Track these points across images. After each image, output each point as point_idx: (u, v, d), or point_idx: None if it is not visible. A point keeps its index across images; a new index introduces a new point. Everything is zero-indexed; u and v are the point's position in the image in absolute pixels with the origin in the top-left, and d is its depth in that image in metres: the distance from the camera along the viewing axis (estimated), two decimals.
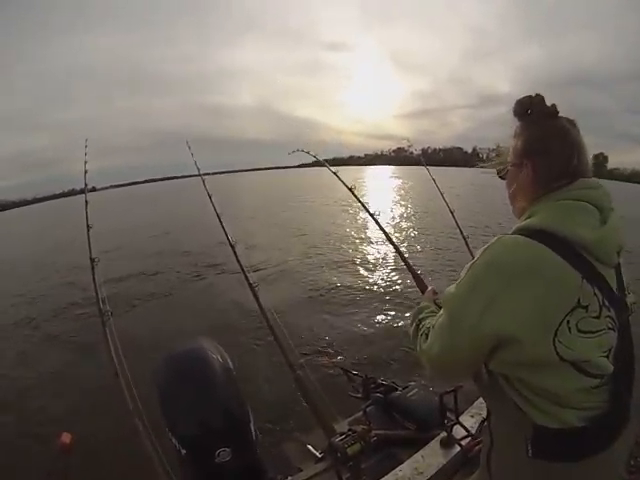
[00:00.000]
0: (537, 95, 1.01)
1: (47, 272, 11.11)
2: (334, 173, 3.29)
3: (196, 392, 1.86)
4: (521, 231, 0.93)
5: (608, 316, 0.89)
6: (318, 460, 2.10)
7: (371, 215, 3.02)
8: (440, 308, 1.04)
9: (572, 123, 0.99)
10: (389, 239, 2.92)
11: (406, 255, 2.70)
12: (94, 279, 2.14)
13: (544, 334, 0.85)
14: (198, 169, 3.04)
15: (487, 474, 1.10)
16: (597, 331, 0.88)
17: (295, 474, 2.11)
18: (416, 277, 2.34)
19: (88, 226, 2.39)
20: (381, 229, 2.95)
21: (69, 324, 6.87)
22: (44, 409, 4.43)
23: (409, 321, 1.25)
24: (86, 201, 2.53)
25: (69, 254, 10.73)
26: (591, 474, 0.93)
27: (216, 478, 1.74)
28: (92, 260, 2.22)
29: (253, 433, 1.90)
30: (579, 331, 0.85)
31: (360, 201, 3.13)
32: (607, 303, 0.89)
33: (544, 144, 0.98)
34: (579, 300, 0.85)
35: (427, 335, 1.04)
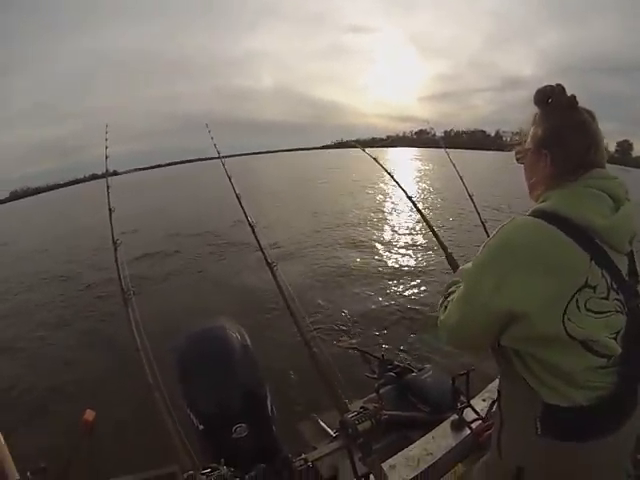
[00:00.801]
0: (558, 85, 1.02)
1: (72, 254, 11.37)
2: (374, 159, 3.28)
3: (215, 369, 1.91)
4: (534, 213, 0.97)
5: (616, 299, 0.92)
6: (332, 439, 2.13)
7: (409, 198, 3.06)
8: None
9: (592, 115, 1.01)
10: (424, 218, 2.96)
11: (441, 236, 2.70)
12: (116, 260, 2.19)
13: (553, 311, 0.89)
14: (218, 152, 3.05)
15: (498, 454, 1.13)
16: (606, 312, 0.91)
17: (309, 452, 2.16)
18: (448, 256, 2.44)
19: (110, 210, 2.44)
20: (418, 211, 3.02)
21: (94, 303, 7.06)
22: (67, 383, 4.61)
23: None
24: (107, 186, 2.59)
25: (93, 236, 10.93)
26: (598, 455, 0.96)
27: (232, 453, 1.79)
28: (114, 242, 2.27)
29: (270, 410, 1.94)
30: (588, 310, 0.89)
31: (399, 184, 3.15)
32: (615, 287, 0.92)
33: (563, 136, 1.00)
34: (587, 280, 0.89)
35: (446, 307, 1.10)
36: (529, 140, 1.09)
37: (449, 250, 2.52)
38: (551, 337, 0.91)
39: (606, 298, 0.91)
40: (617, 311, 0.92)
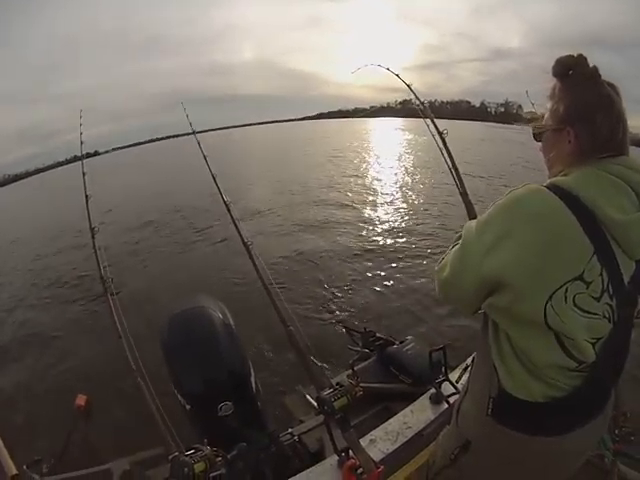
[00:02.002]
0: (579, 55, 0.93)
1: (49, 243, 11.11)
2: (433, 120, 2.95)
3: (199, 349, 1.94)
4: (549, 185, 0.89)
5: (608, 304, 0.85)
6: (318, 412, 2.19)
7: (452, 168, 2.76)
8: None
9: (615, 90, 0.92)
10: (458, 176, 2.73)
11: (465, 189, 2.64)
12: (95, 247, 2.19)
13: (539, 292, 0.84)
14: (193, 129, 3.02)
15: (455, 422, 1.15)
16: (593, 313, 0.85)
17: (296, 426, 2.21)
18: (468, 205, 2.44)
19: (87, 196, 2.41)
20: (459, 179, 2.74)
21: (72, 291, 6.97)
22: (50, 371, 4.60)
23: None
24: (83, 172, 2.54)
25: (70, 224, 10.70)
26: (548, 449, 0.96)
27: (219, 430, 1.83)
28: (92, 229, 2.26)
29: (254, 387, 1.99)
30: (575, 305, 0.83)
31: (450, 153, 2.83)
32: (611, 291, 0.84)
33: (589, 112, 0.90)
34: (583, 273, 0.82)
35: (444, 259, 1.05)
36: (548, 116, 0.99)
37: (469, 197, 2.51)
38: (528, 318, 0.87)
39: (597, 299, 0.84)
40: (605, 317, 0.86)
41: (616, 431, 1.71)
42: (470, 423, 1.09)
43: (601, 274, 0.83)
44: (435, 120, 3.00)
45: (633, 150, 0.92)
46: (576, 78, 0.93)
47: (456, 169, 2.61)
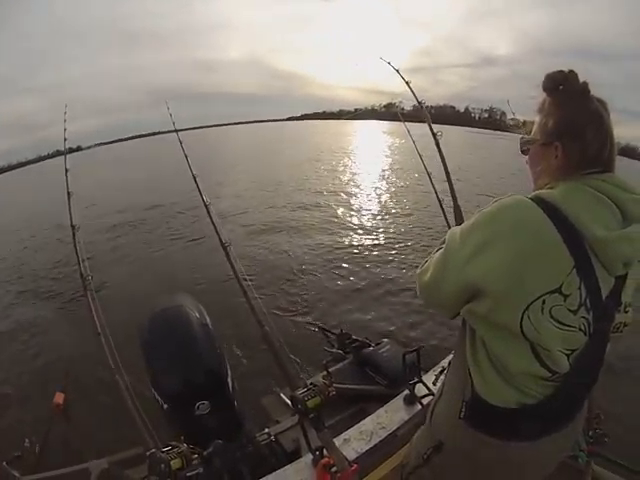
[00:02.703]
0: (571, 71, 0.93)
1: (29, 238, 10.90)
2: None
3: (177, 349, 1.95)
4: (533, 197, 0.89)
5: (584, 317, 0.86)
6: (294, 412, 2.22)
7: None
8: None
9: (604, 106, 0.92)
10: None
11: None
12: (75, 245, 2.18)
13: (517, 300, 0.84)
14: (176, 129, 3.01)
15: (429, 423, 1.17)
16: (568, 325, 0.85)
17: (272, 426, 2.23)
18: (456, 209, 2.47)
19: (68, 194, 2.40)
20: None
21: (51, 287, 6.86)
22: (27, 368, 4.53)
23: None
24: (66, 169, 2.53)
25: (51, 219, 10.51)
26: (519, 455, 0.99)
27: (196, 430, 1.85)
28: (73, 227, 2.26)
29: (231, 386, 2.00)
30: (551, 317, 0.84)
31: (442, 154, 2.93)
32: (589, 305, 0.85)
33: (577, 128, 0.91)
34: (562, 286, 0.83)
35: (427, 262, 1.05)
36: (536, 129, 1.00)
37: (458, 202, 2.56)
38: (505, 327, 0.88)
39: (574, 312, 0.85)
40: (580, 329, 0.86)
41: (590, 433, 1.73)
42: (443, 424, 1.11)
43: (579, 288, 0.84)
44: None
45: (620, 160, 0.94)
46: (566, 94, 0.93)
47: (447, 172, 2.65)
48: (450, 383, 1.11)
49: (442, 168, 2.70)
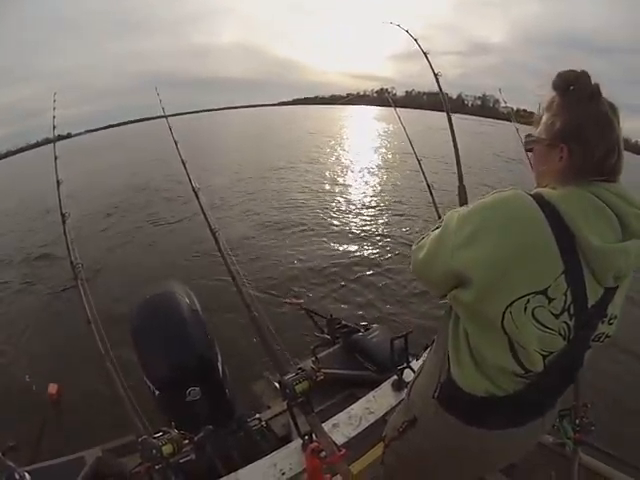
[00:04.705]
0: (582, 71, 0.90)
1: (17, 228, 10.74)
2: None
3: (167, 335, 1.97)
4: (534, 194, 0.88)
5: (565, 322, 0.86)
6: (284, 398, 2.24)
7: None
8: None
9: (614, 110, 0.89)
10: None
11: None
12: (65, 233, 2.17)
13: (501, 295, 0.84)
14: (165, 114, 2.98)
15: (407, 396, 1.20)
16: (548, 328, 0.85)
17: (263, 411, 2.26)
18: (461, 189, 2.43)
19: (58, 182, 2.38)
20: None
21: (42, 276, 6.82)
22: (20, 358, 4.51)
23: None
24: (55, 156, 2.49)
25: (40, 206, 10.36)
26: (476, 442, 1.02)
27: (187, 416, 1.87)
28: (63, 215, 2.23)
29: (221, 372, 2.02)
30: (533, 317, 0.84)
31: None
32: (572, 311, 0.85)
33: (586, 132, 0.87)
34: (548, 289, 0.82)
35: (424, 239, 1.05)
36: (542, 128, 0.96)
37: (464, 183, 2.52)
38: (485, 318, 0.89)
39: (556, 316, 0.85)
40: (560, 334, 0.87)
41: (577, 421, 1.76)
42: (418, 401, 1.13)
43: (565, 294, 0.83)
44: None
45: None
46: (576, 95, 0.89)
47: (457, 149, 2.60)
48: (430, 361, 1.14)
49: (451, 144, 2.64)
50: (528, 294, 0.82)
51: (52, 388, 2.09)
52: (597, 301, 0.87)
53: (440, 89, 2.75)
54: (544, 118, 0.96)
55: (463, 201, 2.38)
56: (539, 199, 0.85)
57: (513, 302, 0.83)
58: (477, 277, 0.86)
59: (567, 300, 0.84)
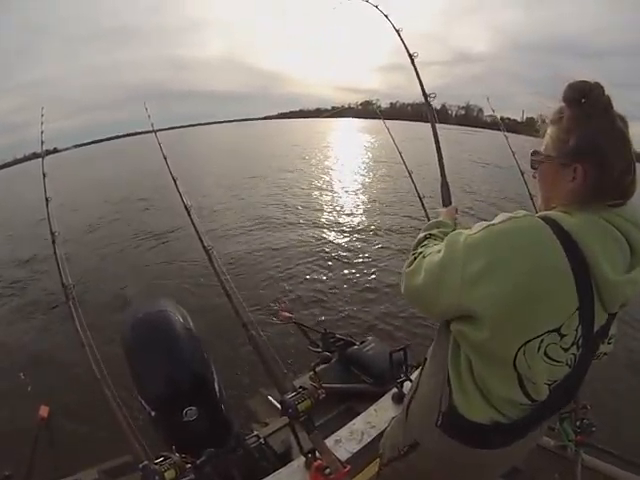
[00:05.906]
0: (596, 83, 0.84)
1: (6, 245, 10.58)
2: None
3: (161, 355, 1.92)
4: (550, 221, 0.81)
5: (573, 353, 0.84)
6: (282, 414, 2.22)
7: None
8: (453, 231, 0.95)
9: (625, 123, 0.84)
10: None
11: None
12: (55, 253, 2.12)
13: (514, 337, 0.81)
14: (154, 129, 2.96)
15: (405, 417, 1.17)
16: (557, 361, 0.83)
17: (261, 428, 2.23)
18: (444, 186, 2.32)
19: (47, 199, 2.32)
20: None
21: (33, 298, 6.70)
22: (16, 382, 4.41)
23: (421, 233, 1.14)
24: (44, 173, 2.43)
25: (29, 225, 10.22)
26: (483, 460, 1.03)
27: (185, 436, 1.83)
28: (52, 234, 2.18)
29: (217, 391, 1.98)
30: (545, 355, 0.81)
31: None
32: (580, 343, 0.83)
33: (603, 150, 0.82)
34: (561, 327, 0.79)
35: (416, 259, 0.98)
36: (550, 144, 0.90)
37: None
38: (496, 356, 0.85)
39: (565, 350, 0.82)
40: (566, 364, 0.85)
41: (577, 423, 1.78)
42: (419, 426, 1.10)
43: (576, 329, 0.81)
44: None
45: None
46: (589, 108, 0.83)
47: (439, 147, 2.58)
48: (427, 383, 1.09)
49: (432, 137, 2.63)
50: (543, 333, 0.79)
51: (43, 411, 2.04)
52: (601, 326, 0.86)
53: (417, 72, 2.70)
54: (550, 132, 0.91)
55: (447, 202, 2.36)
56: (554, 226, 0.80)
57: (528, 342, 0.80)
58: (491, 316, 0.81)
59: (577, 335, 0.82)
